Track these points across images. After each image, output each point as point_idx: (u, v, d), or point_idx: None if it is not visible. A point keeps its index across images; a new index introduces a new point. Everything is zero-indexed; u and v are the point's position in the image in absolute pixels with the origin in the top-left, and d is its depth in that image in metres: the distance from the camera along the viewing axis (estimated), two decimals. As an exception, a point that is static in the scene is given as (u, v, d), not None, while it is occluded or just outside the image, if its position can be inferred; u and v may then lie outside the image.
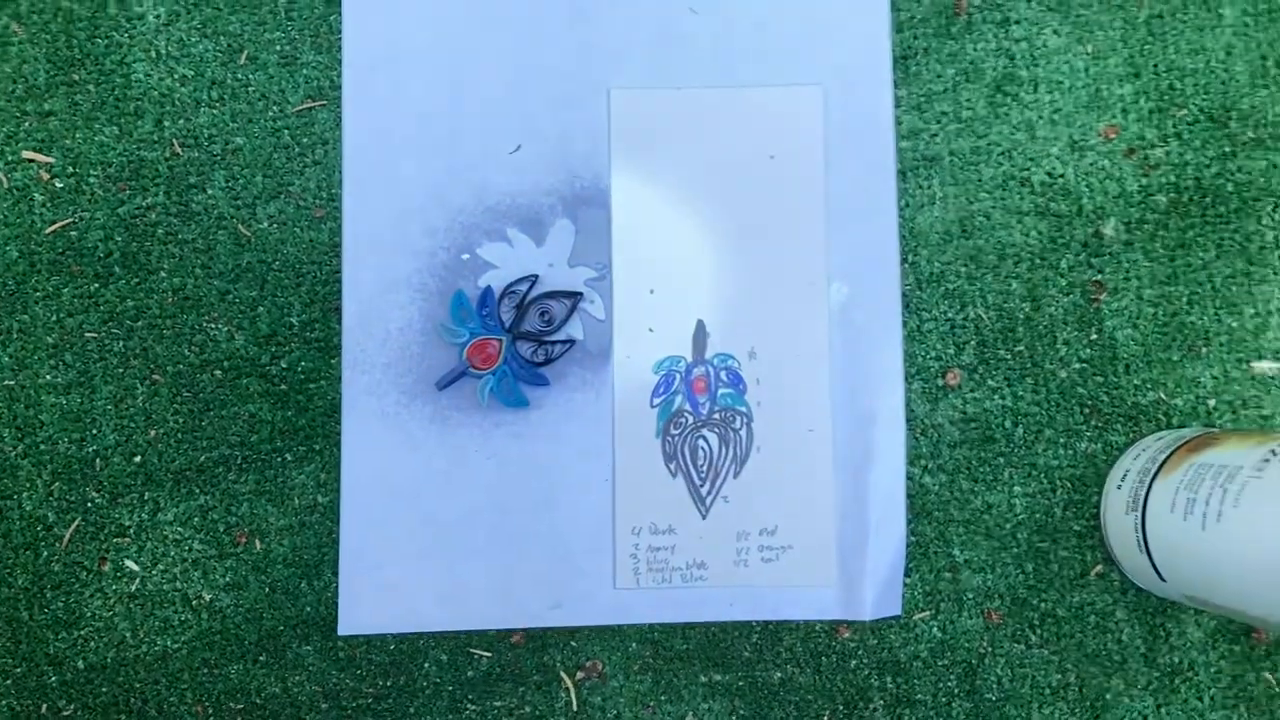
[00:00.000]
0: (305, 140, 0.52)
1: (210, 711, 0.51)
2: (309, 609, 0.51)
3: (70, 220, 0.52)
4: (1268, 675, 0.52)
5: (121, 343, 0.52)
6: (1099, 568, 0.52)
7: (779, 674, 0.52)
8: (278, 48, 0.53)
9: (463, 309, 0.52)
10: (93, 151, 0.52)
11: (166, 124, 0.52)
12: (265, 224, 0.52)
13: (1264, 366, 0.53)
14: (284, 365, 0.52)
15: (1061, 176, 0.53)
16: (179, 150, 0.52)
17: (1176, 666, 0.52)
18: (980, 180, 0.53)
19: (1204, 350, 0.53)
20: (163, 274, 0.52)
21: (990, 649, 0.52)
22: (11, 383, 0.51)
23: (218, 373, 0.52)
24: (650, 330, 0.52)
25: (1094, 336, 0.53)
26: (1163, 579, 0.47)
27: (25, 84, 0.52)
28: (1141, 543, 0.48)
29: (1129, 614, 0.52)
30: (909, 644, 0.52)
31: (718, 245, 0.53)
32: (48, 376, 0.51)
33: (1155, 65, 0.53)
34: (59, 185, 0.52)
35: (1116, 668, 0.52)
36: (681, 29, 0.53)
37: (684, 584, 0.52)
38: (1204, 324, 0.53)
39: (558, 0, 0.53)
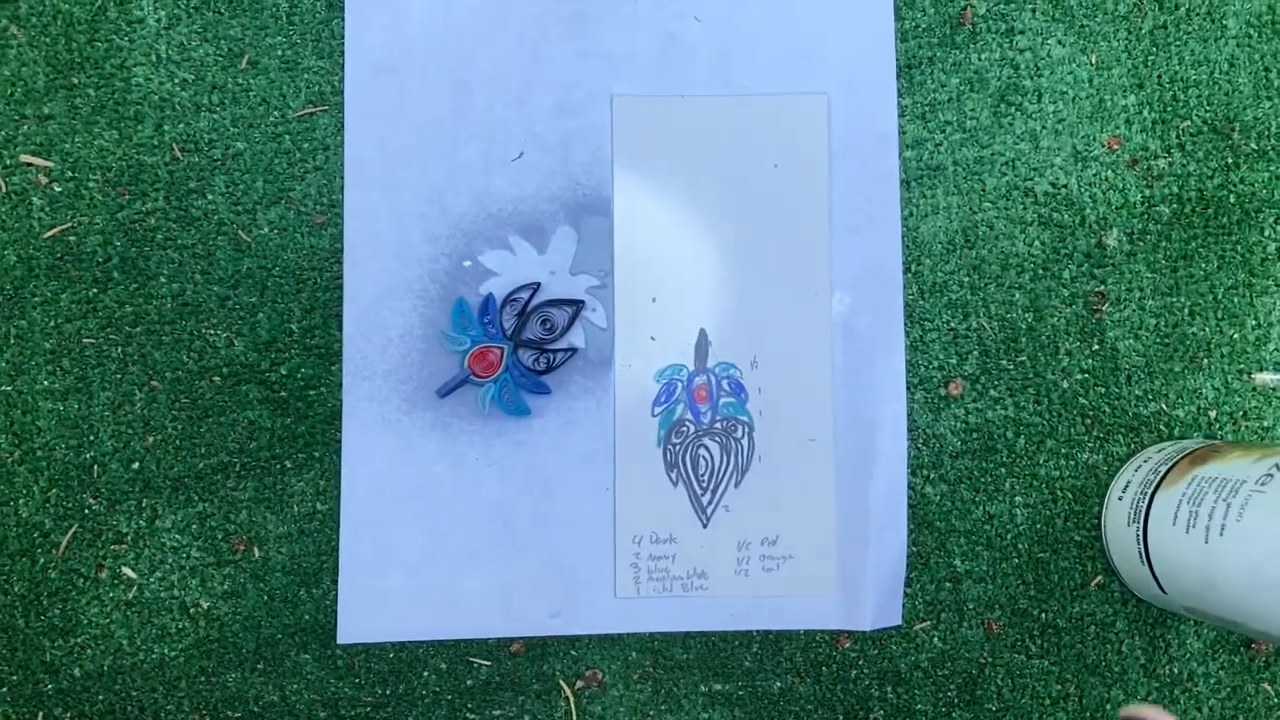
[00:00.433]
0: (306, 146, 0.52)
1: (208, 720, 0.51)
2: (308, 617, 0.51)
3: (69, 225, 0.52)
4: (1266, 686, 0.52)
5: (120, 348, 0.51)
6: (1099, 579, 0.52)
7: (779, 684, 0.52)
8: (279, 52, 0.52)
9: (464, 316, 0.51)
10: (92, 155, 0.52)
11: (166, 128, 0.52)
12: (266, 230, 0.52)
13: (1265, 378, 0.53)
14: (284, 372, 0.52)
15: (1065, 187, 0.53)
16: (179, 155, 0.52)
17: (1176, 677, 0.52)
18: (984, 190, 0.53)
19: (1205, 361, 0.53)
20: (162, 279, 0.52)
21: (991, 659, 0.52)
22: (9, 388, 0.51)
23: (217, 379, 0.51)
24: (652, 339, 0.52)
25: (1096, 347, 0.53)
26: (1164, 590, 0.47)
27: (24, 87, 0.52)
28: (1143, 554, 0.48)
29: (1129, 625, 0.52)
30: (909, 654, 0.52)
31: (720, 253, 0.53)
32: (45, 382, 0.51)
33: (1159, 76, 0.53)
34: (58, 189, 0.52)
35: (1117, 678, 0.52)
36: (685, 37, 0.53)
37: (684, 593, 0.52)
38: (1206, 335, 0.53)
39: (560, 6, 0.53)
